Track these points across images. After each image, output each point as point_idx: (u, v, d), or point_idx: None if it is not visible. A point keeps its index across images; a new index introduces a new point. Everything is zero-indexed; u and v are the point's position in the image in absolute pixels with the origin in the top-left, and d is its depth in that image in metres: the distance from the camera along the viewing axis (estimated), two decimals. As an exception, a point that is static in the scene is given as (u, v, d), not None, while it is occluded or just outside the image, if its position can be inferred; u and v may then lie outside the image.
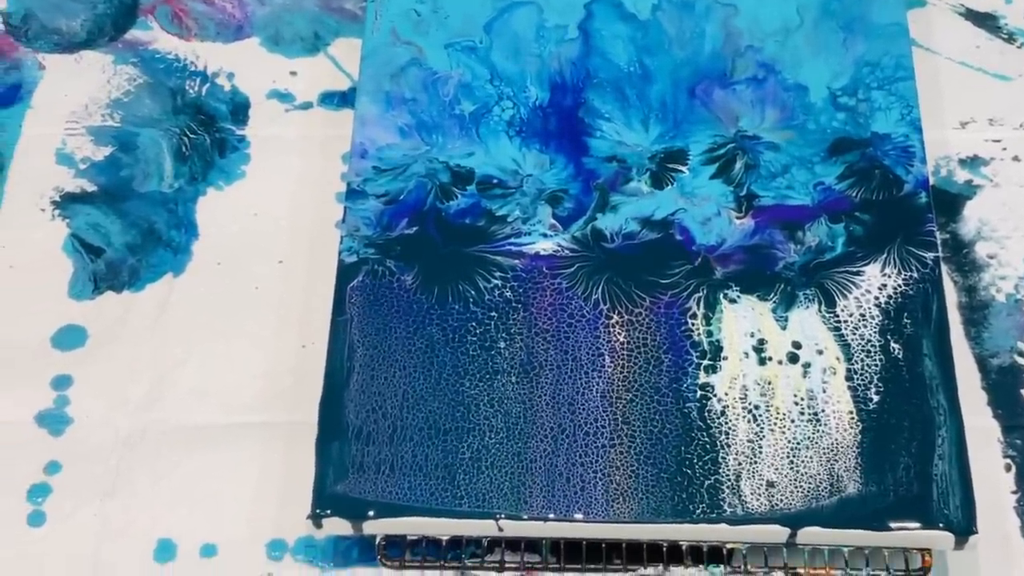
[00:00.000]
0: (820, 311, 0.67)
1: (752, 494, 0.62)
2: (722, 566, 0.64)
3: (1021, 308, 0.72)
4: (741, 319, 0.67)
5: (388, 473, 0.63)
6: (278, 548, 0.65)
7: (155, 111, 0.80)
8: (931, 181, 0.72)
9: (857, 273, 0.68)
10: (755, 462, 0.63)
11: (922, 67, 0.77)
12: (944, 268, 0.72)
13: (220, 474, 0.67)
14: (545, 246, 0.69)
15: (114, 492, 0.67)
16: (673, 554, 0.64)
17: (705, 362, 0.66)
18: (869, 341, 0.66)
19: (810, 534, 0.62)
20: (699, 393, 0.65)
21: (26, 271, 0.74)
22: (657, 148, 0.73)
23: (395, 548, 0.64)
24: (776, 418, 0.64)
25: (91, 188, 0.77)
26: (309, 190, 0.77)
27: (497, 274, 0.68)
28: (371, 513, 0.62)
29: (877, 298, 0.67)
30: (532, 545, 0.65)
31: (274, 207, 0.76)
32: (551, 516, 0.62)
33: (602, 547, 0.64)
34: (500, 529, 0.62)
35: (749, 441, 0.64)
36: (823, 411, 0.64)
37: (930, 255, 0.69)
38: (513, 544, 0.65)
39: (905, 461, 0.63)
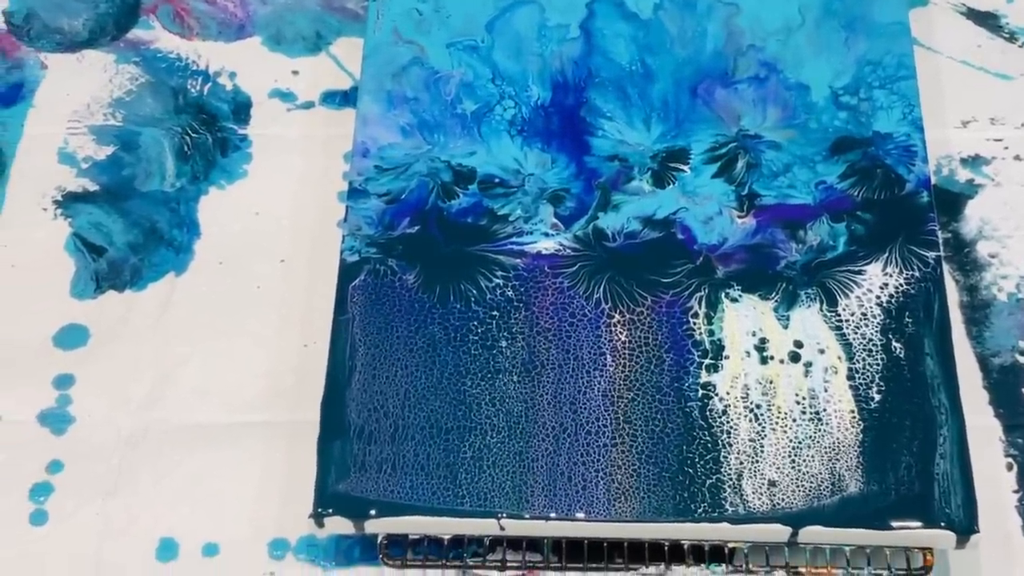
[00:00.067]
0: (822, 310, 0.67)
1: (754, 493, 0.62)
2: (724, 565, 0.64)
3: (1022, 307, 0.72)
4: (743, 318, 0.67)
5: (390, 472, 0.63)
6: (280, 547, 0.65)
7: (157, 110, 0.80)
8: (933, 180, 0.72)
9: (859, 272, 0.68)
10: (757, 461, 0.63)
11: (924, 66, 0.77)
12: (946, 267, 0.72)
13: (222, 473, 0.67)
14: (547, 245, 0.69)
15: (116, 491, 0.67)
16: (675, 553, 0.64)
17: (707, 361, 0.66)
18: (871, 340, 0.66)
19: (812, 533, 0.62)
20: (701, 392, 0.65)
21: (28, 270, 0.74)
22: (659, 147, 0.73)
23: (397, 547, 0.64)
24: (778, 417, 0.64)
25: (93, 187, 0.77)
26: (311, 189, 0.77)
27: (499, 273, 0.68)
28: (373, 512, 0.62)
29: (879, 297, 0.67)
30: (534, 544, 0.65)
31: (276, 206, 0.76)
32: (553, 515, 0.62)
33: (604, 546, 0.64)
34: (502, 528, 0.62)
35: (751, 440, 0.64)
36: (825, 410, 0.64)
37: (932, 254, 0.69)
38: (515, 543, 0.65)
39: (907, 460, 0.63)
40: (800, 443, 0.63)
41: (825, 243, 0.69)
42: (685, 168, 0.72)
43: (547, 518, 0.62)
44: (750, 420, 0.64)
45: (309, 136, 0.79)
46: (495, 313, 0.67)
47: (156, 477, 0.67)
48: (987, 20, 0.83)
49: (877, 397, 0.64)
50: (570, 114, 0.74)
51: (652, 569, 0.64)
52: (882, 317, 0.67)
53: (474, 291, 0.68)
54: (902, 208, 0.70)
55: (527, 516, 0.62)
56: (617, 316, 0.67)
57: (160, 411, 0.69)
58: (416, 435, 0.64)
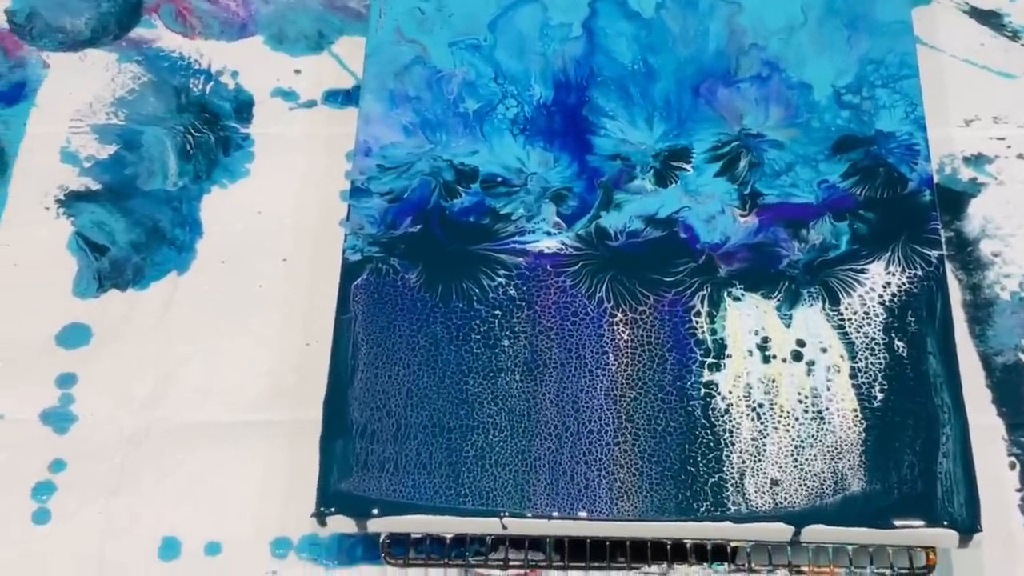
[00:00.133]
0: (824, 309, 0.67)
1: (756, 492, 0.62)
2: (726, 564, 0.64)
3: (1025, 306, 0.72)
4: (745, 317, 0.67)
5: (392, 471, 0.63)
6: (282, 546, 0.65)
7: (159, 109, 0.80)
8: (935, 179, 0.72)
9: (861, 271, 0.68)
10: (759, 460, 0.63)
11: (926, 65, 0.77)
12: (948, 266, 0.72)
13: (224, 472, 0.67)
14: (549, 244, 0.69)
15: (119, 490, 0.67)
16: (677, 552, 0.64)
17: (709, 360, 0.66)
18: (873, 339, 0.66)
19: (814, 532, 0.62)
20: (703, 391, 0.65)
21: (30, 269, 0.74)
22: (661, 146, 0.73)
23: (399, 546, 0.64)
24: (780, 416, 0.64)
25: (95, 186, 0.77)
26: (313, 188, 0.77)
27: (501, 272, 0.68)
28: (375, 511, 0.62)
29: (881, 296, 0.67)
30: (536, 543, 0.65)
31: (278, 205, 0.76)
32: (555, 514, 0.62)
33: (606, 545, 0.64)
34: (504, 527, 0.62)
35: (753, 439, 0.63)
36: (827, 409, 0.64)
37: (934, 253, 0.68)
38: (517, 542, 0.65)
39: (909, 459, 0.63)
40: (803, 442, 0.63)
41: (827, 242, 0.69)
42: (687, 167, 0.72)
43: (549, 517, 0.62)
44: (752, 419, 0.64)
45: (311, 135, 0.79)
46: (497, 312, 0.67)
47: (159, 476, 0.67)
48: (990, 19, 0.83)
49: (880, 396, 0.64)
50: (572, 113, 0.74)
51: (655, 568, 0.64)
52: (885, 316, 0.67)
53: (476, 290, 0.68)
54: (905, 207, 0.70)
55: (529, 515, 0.62)
56: (619, 315, 0.67)
57: (162, 410, 0.69)
58: (418, 434, 0.64)
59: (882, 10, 0.77)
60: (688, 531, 0.62)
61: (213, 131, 0.79)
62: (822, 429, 0.64)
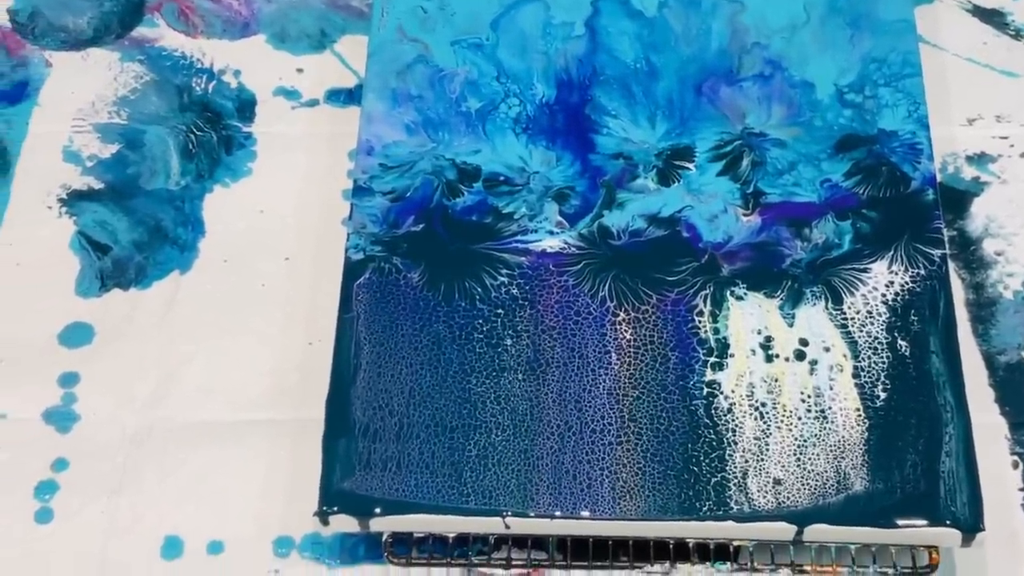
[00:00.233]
0: (827, 308, 0.67)
1: (759, 491, 0.62)
2: (728, 563, 0.64)
3: (1028, 305, 0.72)
4: (748, 316, 0.67)
5: (395, 470, 0.63)
6: (285, 545, 0.65)
7: (162, 108, 0.80)
8: (938, 178, 0.72)
9: (864, 270, 0.68)
10: (762, 459, 0.63)
11: (929, 64, 0.77)
12: (951, 265, 0.72)
13: (227, 471, 0.67)
14: (552, 243, 0.69)
15: (121, 489, 0.67)
16: (680, 551, 0.64)
17: (712, 359, 0.66)
18: (876, 338, 0.66)
19: (817, 531, 0.62)
20: (706, 390, 0.65)
21: (33, 268, 0.74)
22: (664, 145, 0.73)
23: (402, 545, 0.64)
24: (783, 415, 0.64)
25: (98, 185, 0.77)
26: (315, 187, 0.77)
27: (504, 271, 0.68)
28: (378, 510, 0.62)
29: (884, 295, 0.67)
30: (539, 542, 0.65)
31: (280, 204, 0.76)
32: (558, 513, 0.62)
33: (608, 544, 0.64)
34: (507, 526, 0.62)
35: (756, 438, 0.63)
36: (830, 408, 0.64)
37: (937, 252, 0.68)
38: (520, 541, 0.65)
39: (912, 458, 0.63)
40: (805, 441, 0.63)
41: (830, 241, 0.69)
42: (690, 166, 0.72)
43: (552, 516, 0.62)
44: (755, 418, 0.64)
45: (314, 134, 0.79)
46: (500, 311, 0.67)
47: (161, 475, 0.67)
48: (993, 17, 0.83)
49: (882, 395, 0.64)
50: (575, 112, 0.74)
51: (657, 567, 0.64)
52: (887, 315, 0.67)
53: (479, 289, 0.68)
54: (907, 206, 0.70)
55: (532, 514, 0.62)
56: (622, 314, 0.67)
57: (165, 409, 0.69)
58: (421, 433, 0.64)
59: (885, 9, 0.77)
60: (691, 530, 0.62)
61: (215, 130, 0.79)
62: (825, 428, 0.64)
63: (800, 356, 0.66)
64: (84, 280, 0.73)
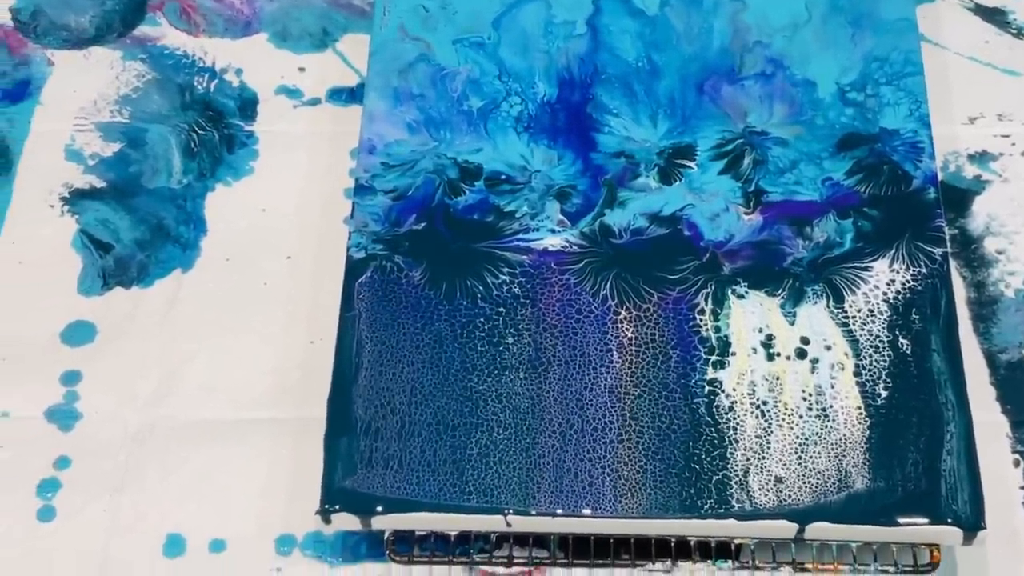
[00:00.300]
0: (828, 307, 0.67)
1: (760, 490, 0.62)
2: (730, 561, 0.64)
3: (1030, 303, 0.72)
4: (749, 315, 0.67)
5: (396, 468, 0.63)
6: (287, 543, 0.65)
7: (164, 107, 0.80)
8: (940, 176, 0.72)
9: (865, 269, 0.68)
10: (763, 458, 0.63)
11: (931, 62, 0.77)
12: (953, 264, 0.72)
13: (229, 469, 0.67)
14: (553, 242, 0.69)
15: (123, 487, 0.67)
16: (681, 549, 0.64)
17: (713, 358, 0.66)
18: (877, 337, 0.66)
19: (818, 530, 0.62)
20: (707, 389, 0.65)
21: (35, 267, 0.74)
22: (665, 144, 0.73)
23: (404, 543, 0.64)
24: (784, 414, 0.64)
25: (100, 184, 0.77)
26: (317, 186, 0.77)
27: (505, 270, 0.68)
28: (380, 508, 0.62)
29: (885, 294, 0.67)
30: (540, 540, 0.65)
31: (282, 203, 0.76)
32: (559, 511, 0.62)
33: (610, 542, 0.64)
34: (508, 524, 0.62)
35: (757, 437, 0.64)
36: (831, 407, 0.64)
37: (938, 251, 0.68)
38: (521, 539, 0.65)
39: (913, 457, 0.63)
40: (807, 439, 0.63)
41: (832, 240, 0.69)
42: (691, 165, 0.72)
43: (554, 514, 0.62)
44: (757, 416, 0.64)
45: (315, 133, 0.79)
46: (501, 310, 0.67)
47: (163, 473, 0.67)
48: (995, 16, 0.83)
49: (884, 393, 0.64)
50: (576, 111, 0.74)
51: (659, 565, 0.64)
52: (889, 313, 0.67)
53: (480, 287, 0.68)
54: (909, 204, 0.70)
55: (534, 512, 0.62)
56: (623, 313, 0.67)
57: (167, 408, 0.69)
58: (423, 431, 0.64)
59: (886, 7, 0.77)
60: (692, 528, 0.62)
61: (217, 129, 0.79)
62: (826, 426, 0.64)
63: (801, 354, 0.66)
64: (86, 278, 0.73)
